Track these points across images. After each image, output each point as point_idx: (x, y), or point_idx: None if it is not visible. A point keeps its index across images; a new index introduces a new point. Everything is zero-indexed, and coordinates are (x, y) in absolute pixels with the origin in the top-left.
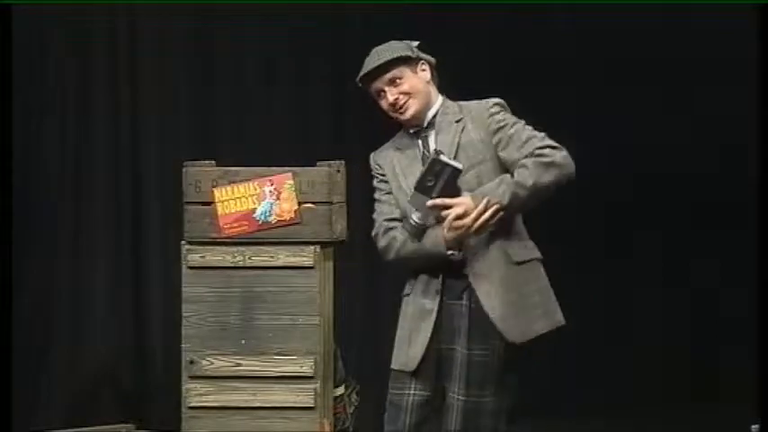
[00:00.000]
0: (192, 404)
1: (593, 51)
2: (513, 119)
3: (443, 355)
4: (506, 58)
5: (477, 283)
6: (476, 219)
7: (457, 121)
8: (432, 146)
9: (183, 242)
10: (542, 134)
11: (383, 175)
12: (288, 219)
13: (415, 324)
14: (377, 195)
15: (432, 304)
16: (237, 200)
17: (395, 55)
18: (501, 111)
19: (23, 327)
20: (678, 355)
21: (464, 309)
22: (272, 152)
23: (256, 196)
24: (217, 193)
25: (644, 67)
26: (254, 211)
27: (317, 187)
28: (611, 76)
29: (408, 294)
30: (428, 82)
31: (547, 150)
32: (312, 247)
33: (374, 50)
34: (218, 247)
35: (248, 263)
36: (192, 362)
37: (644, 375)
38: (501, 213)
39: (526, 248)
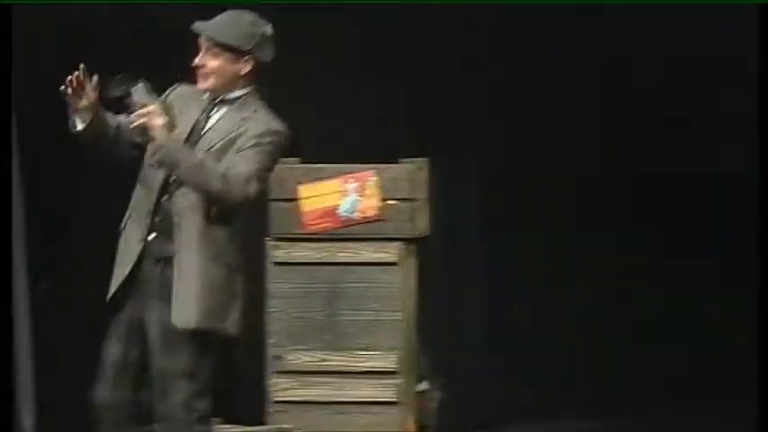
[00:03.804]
0: (277, 399)
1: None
2: (259, 156)
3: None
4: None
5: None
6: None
7: (242, 119)
8: (212, 122)
9: (268, 238)
10: (249, 175)
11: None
12: (371, 215)
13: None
14: None
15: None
16: (321, 197)
17: (221, 40)
18: (264, 142)
19: None
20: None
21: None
22: (353, 150)
23: (340, 193)
24: (301, 190)
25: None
26: (337, 207)
27: (400, 184)
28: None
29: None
30: (242, 75)
31: (233, 181)
32: (395, 244)
33: (224, 14)
34: (302, 244)
35: (332, 259)
36: (277, 357)
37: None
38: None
39: (223, 248)
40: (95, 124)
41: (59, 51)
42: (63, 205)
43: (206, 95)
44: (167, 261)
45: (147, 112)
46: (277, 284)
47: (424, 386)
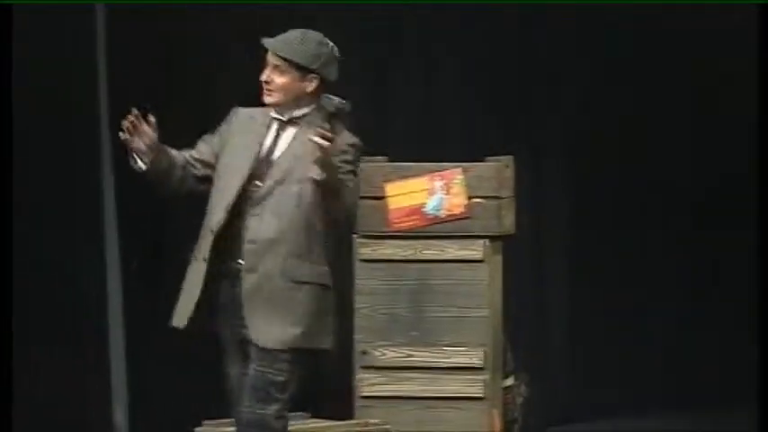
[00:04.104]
0: (364, 394)
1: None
2: (350, 167)
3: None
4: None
5: (247, 286)
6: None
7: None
8: (283, 143)
9: (355, 236)
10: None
11: (222, 134)
12: (458, 213)
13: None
14: (205, 136)
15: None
16: (408, 195)
17: (287, 56)
18: (347, 160)
19: None
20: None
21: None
22: (438, 149)
23: (427, 191)
24: (388, 188)
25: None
26: (424, 205)
27: (486, 182)
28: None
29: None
30: (307, 93)
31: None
32: (481, 241)
33: (292, 32)
34: (389, 241)
35: (419, 256)
36: (364, 352)
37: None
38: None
39: (311, 270)
40: (158, 163)
41: (156, 53)
42: (157, 218)
43: (264, 118)
44: (257, 282)
45: (333, 134)
46: (364, 281)
47: (510, 382)
